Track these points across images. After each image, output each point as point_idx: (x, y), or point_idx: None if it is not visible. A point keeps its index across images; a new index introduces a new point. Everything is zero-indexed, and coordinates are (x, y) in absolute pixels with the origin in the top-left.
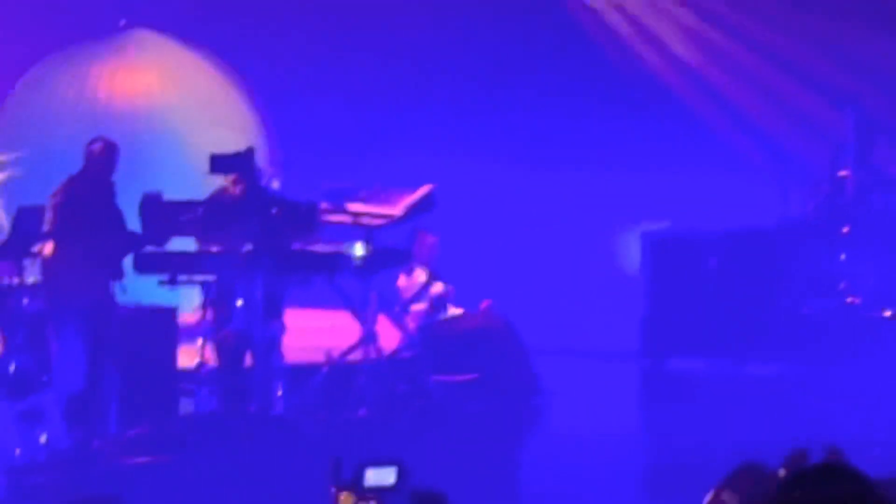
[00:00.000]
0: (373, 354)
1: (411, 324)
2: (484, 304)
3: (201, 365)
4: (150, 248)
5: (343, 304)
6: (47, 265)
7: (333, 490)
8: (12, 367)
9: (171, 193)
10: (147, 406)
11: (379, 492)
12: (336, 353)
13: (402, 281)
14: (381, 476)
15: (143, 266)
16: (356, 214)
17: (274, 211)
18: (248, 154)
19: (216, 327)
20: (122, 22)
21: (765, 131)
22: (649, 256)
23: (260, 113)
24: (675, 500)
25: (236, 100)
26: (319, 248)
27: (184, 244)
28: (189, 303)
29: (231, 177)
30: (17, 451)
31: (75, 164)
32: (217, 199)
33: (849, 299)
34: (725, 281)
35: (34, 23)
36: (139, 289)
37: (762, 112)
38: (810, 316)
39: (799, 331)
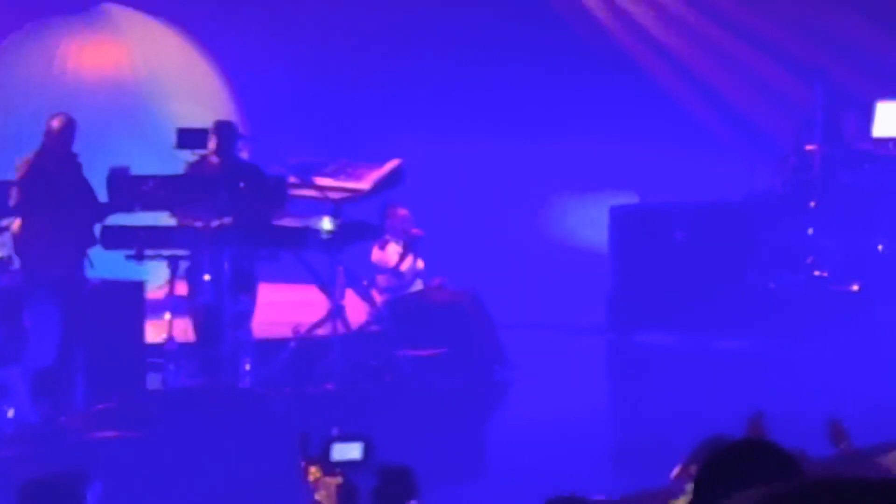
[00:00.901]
0: (340, 329)
1: (380, 298)
2: (436, 282)
3: (169, 339)
4: (117, 223)
5: (311, 278)
6: (16, 240)
7: (302, 464)
8: None
9: (139, 168)
10: (115, 380)
11: (345, 466)
12: (304, 328)
13: (375, 255)
14: (347, 451)
15: (110, 241)
16: (324, 189)
17: (242, 185)
18: (216, 128)
19: (184, 302)
20: None
21: (733, 105)
22: (617, 230)
23: (231, 87)
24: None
25: (207, 74)
26: (287, 222)
27: (151, 218)
28: (157, 277)
29: (199, 151)
30: None
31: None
32: (185, 174)
33: (816, 273)
34: (693, 255)
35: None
36: (106, 263)
37: (730, 86)
38: (777, 290)
39: (766, 304)
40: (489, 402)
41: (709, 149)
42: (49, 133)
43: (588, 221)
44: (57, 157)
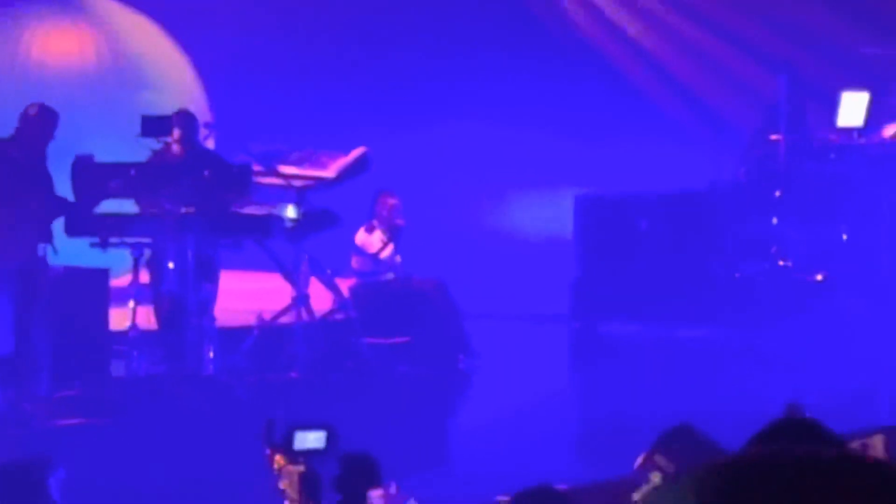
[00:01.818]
0: (304, 317)
1: (349, 281)
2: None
3: (132, 327)
4: (81, 211)
5: (274, 266)
6: None
7: (268, 451)
8: None
9: (104, 156)
10: (79, 368)
11: (308, 454)
12: (267, 316)
13: (360, 237)
14: (310, 439)
15: (74, 228)
16: (288, 177)
17: (206, 173)
18: (180, 116)
19: (148, 289)
20: None
21: (697, 95)
22: (581, 219)
23: (198, 74)
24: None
25: (174, 61)
26: (251, 210)
27: (115, 206)
28: (121, 265)
29: (164, 139)
30: None
31: (6, 126)
32: (149, 162)
33: (780, 263)
34: (657, 244)
35: None
36: (71, 251)
37: (695, 76)
38: (742, 279)
39: (730, 294)
40: (453, 391)
41: (673, 138)
42: (26, 121)
43: (553, 211)
44: (28, 146)
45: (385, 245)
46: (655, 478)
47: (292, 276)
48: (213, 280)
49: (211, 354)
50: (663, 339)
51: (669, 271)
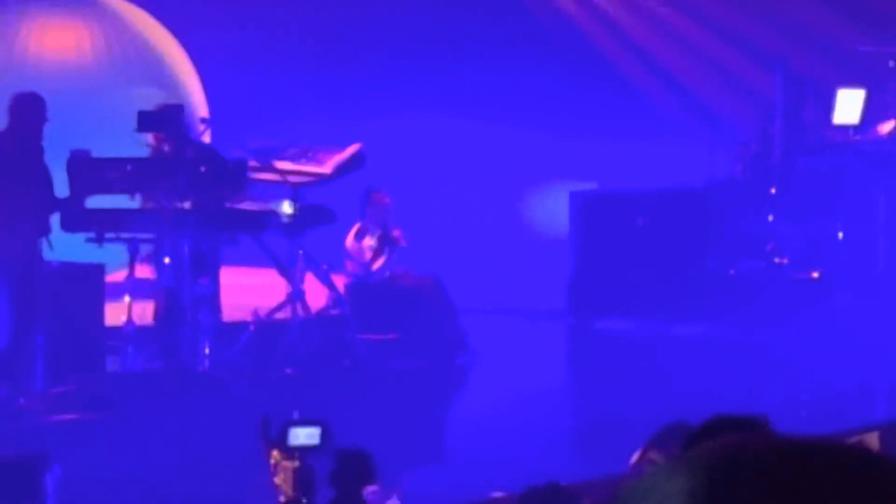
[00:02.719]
0: (300, 312)
1: (344, 279)
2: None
3: (128, 322)
4: (77, 206)
5: (270, 262)
6: None
7: (266, 447)
8: None
9: (101, 151)
10: (74, 363)
11: (303, 450)
12: (263, 312)
13: (349, 242)
14: (304, 435)
15: (70, 223)
16: (284, 172)
17: (203, 168)
18: (177, 111)
19: (144, 284)
20: None
21: (694, 92)
22: (577, 215)
23: (196, 69)
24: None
25: (171, 56)
26: (247, 205)
27: (112, 201)
28: (116, 260)
29: (160, 134)
30: None
31: (2, 121)
32: (145, 157)
33: (776, 260)
34: (653, 241)
35: None
36: (66, 246)
37: (691, 73)
38: (738, 276)
39: (726, 291)
40: (449, 387)
41: (669, 135)
42: (14, 110)
43: (549, 207)
44: (21, 138)
45: (376, 255)
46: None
47: (288, 271)
48: (212, 276)
49: (206, 350)
50: (659, 336)
51: (665, 268)
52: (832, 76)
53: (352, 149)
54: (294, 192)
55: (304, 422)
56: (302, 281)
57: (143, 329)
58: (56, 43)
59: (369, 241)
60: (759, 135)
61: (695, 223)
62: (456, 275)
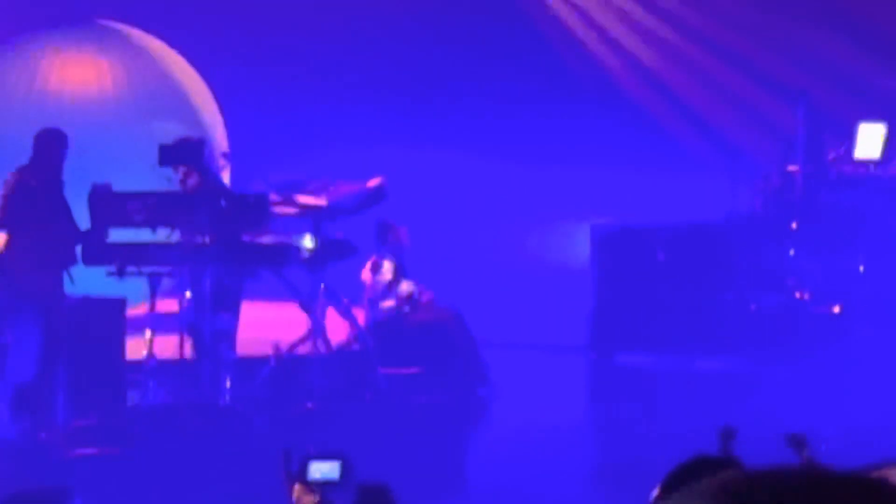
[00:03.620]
0: (321, 347)
1: (365, 309)
2: (426, 297)
3: (149, 356)
4: (97, 239)
5: (291, 296)
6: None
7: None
8: None
9: (121, 184)
10: (95, 397)
11: (323, 485)
12: (284, 346)
13: (366, 275)
14: (325, 469)
15: (91, 257)
16: (305, 206)
17: (223, 203)
18: (198, 145)
19: (164, 318)
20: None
21: (714, 126)
22: (598, 250)
23: (218, 103)
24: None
25: (193, 90)
26: (268, 239)
27: (133, 235)
28: (137, 294)
29: (181, 168)
30: None
31: (25, 155)
32: (166, 191)
33: (797, 295)
34: (674, 275)
35: None
36: (87, 280)
37: (712, 107)
38: (758, 311)
39: (747, 326)
40: (470, 421)
41: (691, 169)
42: (38, 147)
43: (570, 240)
44: (44, 173)
45: (397, 275)
46: None
47: (309, 305)
48: (233, 310)
49: (228, 384)
50: (680, 370)
51: (686, 302)
52: (853, 110)
53: (373, 182)
54: (315, 226)
55: (324, 456)
56: (323, 315)
57: (164, 363)
58: (77, 76)
59: (388, 266)
60: (780, 169)
61: (715, 257)
62: (477, 309)
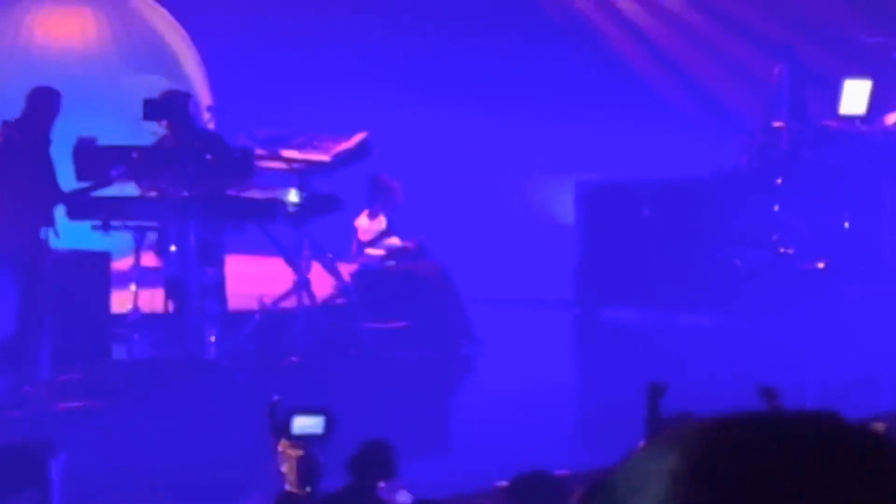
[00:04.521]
0: (305, 301)
1: (345, 271)
2: (412, 244)
3: (134, 310)
4: (83, 194)
5: (276, 250)
6: None
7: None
8: None
9: (106, 138)
10: (80, 351)
11: (307, 439)
12: (269, 300)
13: (361, 221)
14: (308, 424)
15: (76, 211)
16: (290, 161)
17: (209, 157)
18: (183, 99)
19: (149, 272)
20: None
21: (700, 82)
22: (583, 205)
23: (201, 57)
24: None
25: (176, 44)
26: (253, 194)
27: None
28: (122, 248)
29: (165, 122)
30: None
31: (9, 110)
32: (151, 145)
33: (782, 250)
34: (659, 231)
35: None
36: (73, 234)
37: (698, 63)
38: (743, 266)
39: (732, 281)
40: (454, 376)
41: (675, 125)
42: (27, 103)
43: (555, 196)
44: (32, 130)
45: (388, 229)
46: None
47: (294, 260)
48: (218, 264)
49: (212, 338)
50: (665, 325)
51: (671, 258)
52: (838, 66)
53: (357, 138)
54: (300, 180)
55: (309, 410)
56: (308, 270)
57: (149, 317)
58: (61, 30)
59: (381, 220)
60: (766, 125)
61: (701, 213)
62: (462, 264)
